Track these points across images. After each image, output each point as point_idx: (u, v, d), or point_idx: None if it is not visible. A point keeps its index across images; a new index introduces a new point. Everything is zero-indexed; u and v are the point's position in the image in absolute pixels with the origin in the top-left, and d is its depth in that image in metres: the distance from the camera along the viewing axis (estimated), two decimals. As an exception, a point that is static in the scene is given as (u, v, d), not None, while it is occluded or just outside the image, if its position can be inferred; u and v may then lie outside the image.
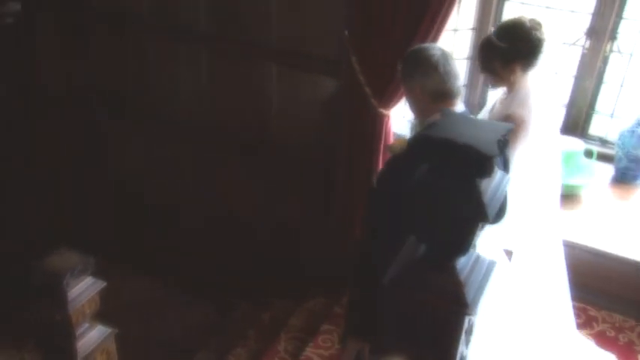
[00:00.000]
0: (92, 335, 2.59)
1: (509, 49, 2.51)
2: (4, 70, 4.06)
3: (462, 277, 1.45)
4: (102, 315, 2.70)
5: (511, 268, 2.71)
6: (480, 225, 1.37)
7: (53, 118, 4.49)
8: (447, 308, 1.45)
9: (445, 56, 2.28)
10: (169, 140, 4.25)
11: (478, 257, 1.54)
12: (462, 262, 1.49)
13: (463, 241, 1.38)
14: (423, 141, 1.33)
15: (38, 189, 4.55)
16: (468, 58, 3.66)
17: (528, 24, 2.54)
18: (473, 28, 3.57)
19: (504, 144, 1.32)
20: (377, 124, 3.41)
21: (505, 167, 2.37)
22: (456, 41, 3.57)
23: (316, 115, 3.69)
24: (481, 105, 3.78)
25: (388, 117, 3.42)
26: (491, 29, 2.80)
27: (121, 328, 4.28)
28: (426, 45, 2.37)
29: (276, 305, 4.09)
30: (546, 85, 2.65)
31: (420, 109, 2.35)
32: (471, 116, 1.48)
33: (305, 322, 3.76)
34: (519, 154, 2.53)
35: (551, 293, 2.82)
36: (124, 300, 4.63)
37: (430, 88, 2.27)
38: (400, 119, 3.80)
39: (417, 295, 1.49)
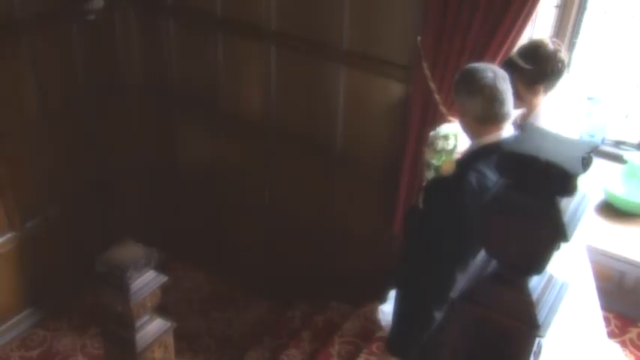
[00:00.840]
0: (151, 328, 2.63)
1: (534, 70, 2.50)
2: (85, 65, 4.19)
3: (535, 296, 1.39)
4: (161, 307, 2.74)
5: None
6: (558, 245, 1.30)
7: (127, 112, 4.60)
8: (517, 328, 1.39)
9: (495, 80, 2.16)
10: (236, 138, 4.28)
11: (551, 278, 1.47)
12: (535, 282, 1.42)
13: (539, 261, 1.31)
14: (503, 155, 1.27)
15: (112, 181, 4.67)
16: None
17: (552, 45, 2.52)
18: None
19: (589, 162, 1.25)
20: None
21: None
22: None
23: (383, 120, 3.65)
24: None
25: (458, 125, 3.35)
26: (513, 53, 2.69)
27: (179, 322, 4.36)
28: (480, 66, 2.24)
29: (332, 309, 4.07)
30: (564, 107, 2.64)
31: (468, 128, 2.28)
32: (553, 131, 1.40)
33: (360, 328, 3.73)
34: None
35: (579, 300, 2.69)
36: (184, 294, 4.72)
37: (474, 110, 2.19)
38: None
39: (487, 312, 1.43)
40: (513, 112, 2.27)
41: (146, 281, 2.50)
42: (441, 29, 3.15)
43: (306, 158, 4.03)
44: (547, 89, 2.56)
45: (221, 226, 4.70)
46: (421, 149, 3.23)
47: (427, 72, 3.26)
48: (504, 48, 3.00)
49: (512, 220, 1.31)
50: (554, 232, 1.25)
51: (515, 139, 1.34)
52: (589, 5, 3.33)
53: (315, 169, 4.03)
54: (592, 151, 1.30)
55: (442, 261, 2.04)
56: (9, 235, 4.08)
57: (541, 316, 1.34)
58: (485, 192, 1.80)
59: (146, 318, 2.60)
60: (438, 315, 2.14)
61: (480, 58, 3.07)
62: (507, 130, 2.20)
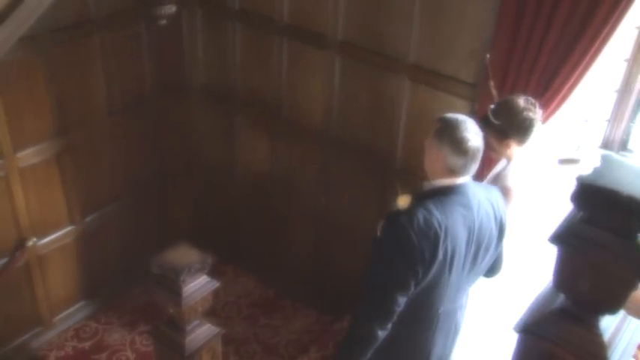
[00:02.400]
0: (200, 333, 2.63)
1: (503, 125, 2.66)
2: (151, 65, 4.27)
3: (606, 338, 1.31)
4: (210, 310, 2.74)
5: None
6: (637, 284, 1.22)
7: (189, 113, 4.67)
8: (585, 370, 1.31)
9: (479, 142, 2.29)
10: (295, 145, 4.28)
11: (624, 318, 1.39)
12: (607, 321, 1.34)
13: (614, 300, 1.23)
14: (580, 187, 1.20)
15: (169, 180, 4.73)
16: (616, 91, 3.41)
17: (522, 104, 2.68)
18: (626, 60, 3.32)
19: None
20: (509, 152, 3.25)
21: (499, 255, 2.57)
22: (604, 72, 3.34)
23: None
24: (623, 142, 3.54)
25: (522, 146, 3.26)
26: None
27: (227, 326, 4.39)
28: (465, 122, 2.30)
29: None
30: (542, 156, 2.85)
31: (432, 170, 2.40)
32: (630, 163, 1.32)
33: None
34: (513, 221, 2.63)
35: None
36: (233, 298, 4.73)
37: (450, 164, 2.30)
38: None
39: (552, 348, 1.36)
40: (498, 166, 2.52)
41: (199, 286, 2.50)
42: (512, 48, 3.07)
43: (364, 170, 3.99)
44: (519, 143, 2.72)
45: (274, 233, 4.70)
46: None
47: (493, 91, 3.18)
48: (576, 73, 2.90)
49: (587, 255, 1.24)
50: (635, 271, 1.17)
51: (593, 172, 1.26)
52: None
53: (372, 182, 3.98)
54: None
55: (387, 284, 2.28)
56: (69, 229, 4.18)
57: (613, 358, 1.25)
58: (431, 228, 2.19)
59: (196, 323, 2.60)
60: (381, 333, 2.34)
61: (550, 81, 2.98)
62: (464, 178, 2.35)
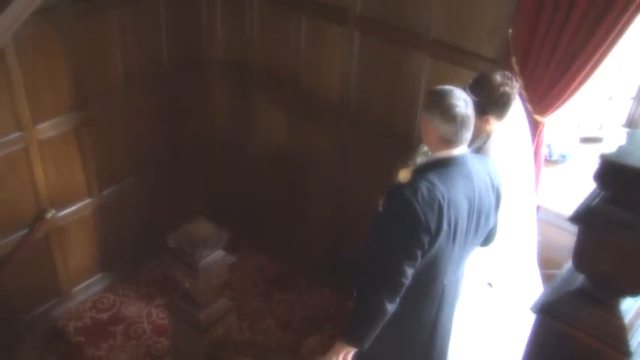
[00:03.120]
0: (215, 307, 2.65)
1: (480, 102, 2.60)
2: (169, 39, 4.25)
3: (627, 320, 1.28)
4: (225, 284, 2.76)
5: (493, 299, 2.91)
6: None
7: (206, 88, 4.65)
8: (604, 352, 1.28)
9: (467, 108, 2.34)
10: (312, 121, 4.25)
11: (646, 300, 1.36)
12: (627, 304, 1.32)
13: (637, 282, 1.20)
14: (604, 166, 1.17)
15: (186, 155, 4.74)
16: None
17: (499, 79, 2.69)
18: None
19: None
20: (530, 130, 3.20)
21: (495, 222, 2.62)
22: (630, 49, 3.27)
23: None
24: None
25: (543, 125, 3.20)
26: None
27: (242, 301, 4.43)
28: (452, 91, 2.36)
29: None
30: (520, 129, 2.85)
31: (429, 143, 2.46)
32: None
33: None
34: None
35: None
36: (249, 273, 4.76)
37: (442, 133, 2.36)
38: (556, 128, 3.56)
39: (570, 330, 1.34)
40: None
41: (214, 260, 2.52)
42: (535, 23, 3.00)
43: (381, 146, 3.95)
44: (498, 118, 2.73)
45: (290, 209, 4.69)
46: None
47: (515, 67, 3.13)
48: (600, 49, 2.84)
49: (609, 235, 1.21)
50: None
51: (617, 150, 1.22)
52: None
53: (390, 158, 3.92)
54: None
55: (393, 256, 2.30)
56: (87, 201, 4.21)
57: (634, 342, 1.23)
58: (435, 200, 2.24)
59: (211, 296, 2.62)
60: (390, 307, 2.36)
61: (574, 57, 2.92)
62: (461, 149, 2.40)
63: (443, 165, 2.36)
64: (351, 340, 2.49)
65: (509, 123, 2.78)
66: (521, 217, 2.91)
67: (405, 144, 3.82)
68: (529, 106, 3.14)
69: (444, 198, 2.28)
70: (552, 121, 3.26)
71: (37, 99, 3.67)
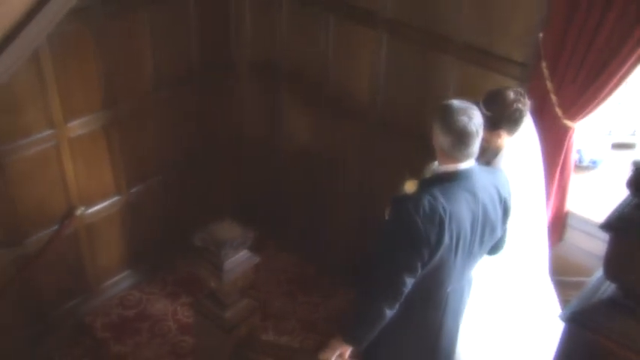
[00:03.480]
0: (240, 307, 2.66)
1: (493, 116, 2.70)
2: (199, 40, 4.28)
3: (658, 331, 1.26)
4: (251, 284, 2.76)
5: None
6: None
7: (235, 88, 4.68)
8: (635, 364, 1.26)
9: (468, 125, 2.39)
10: (340, 123, 4.24)
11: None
12: (659, 314, 1.29)
13: (669, 293, 1.18)
14: (636, 172, 1.15)
15: (213, 155, 4.77)
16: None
17: (512, 96, 2.75)
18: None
19: None
20: (559, 136, 3.16)
21: (503, 234, 2.73)
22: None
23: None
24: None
25: (573, 130, 3.16)
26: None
27: (266, 301, 4.43)
28: (460, 106, 2.44)
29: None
30: (530, 144, 2.90)
31: (436, 153, 2.55)
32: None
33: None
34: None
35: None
36: (273, 273, 4.77)
37: (442, 144, 2.46)
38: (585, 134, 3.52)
39: (600, 339, 1.32)
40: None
41: (240, 260, 2.53)
42: (566, 28, 2.96)
43: (409, 148, 3.92)
44: (509, 133, 2.80)
45: (317, 209, 4.69)
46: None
47: (545, 71, 3.09)
48: (634, 54, 2.79)
49: (643, 244, 1.19)
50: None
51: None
52: None
53: (418, 161, 3.91)
54: None
55: (394, 267, 2.38)
56: (115, 199, 4.26)
57: (664, 353, 1.21)
58: (436, 213, 2.32)
59: (237, 296, 2.64)
60: (389, 312, 2.45)
61: (607, 61, 2.88)
62: (467, 163, 2.47)
63: (447, 179, 2.45)
64: (349, 339, 2.58)
65: (520, 137, 2.85)
66: (531, 229, 2.96)
67: (432, 147, 3.81)
68: (559, 111, 3.11)
69: (445, 212, 2.36)
70: (583, 127, 3.22)
71: (69, 97, 3.73)
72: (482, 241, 2.56)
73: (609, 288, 1.37)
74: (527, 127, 2.86)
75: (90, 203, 4.12)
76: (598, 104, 3.02)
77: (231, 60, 4.58)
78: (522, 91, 2.82)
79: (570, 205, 3.41)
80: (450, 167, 2.47)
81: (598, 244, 3.17)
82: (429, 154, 3.82)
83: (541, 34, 3.06)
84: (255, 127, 4.82)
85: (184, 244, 3.04)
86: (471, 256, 2.56)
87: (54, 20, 2.82)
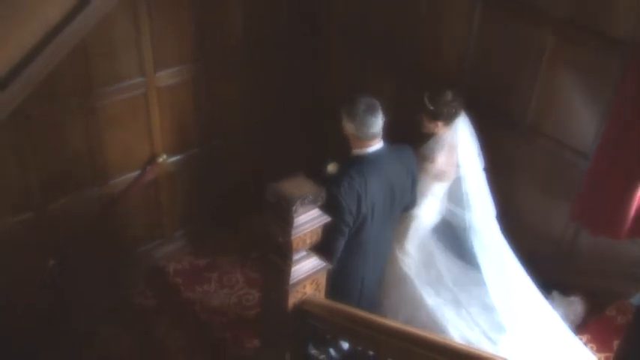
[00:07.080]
0: (307, 264, 2.68)
1: (434, 110, 3.39)
2: (292, 2, 4.29)
3: None
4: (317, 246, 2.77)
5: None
6: None
7: (320, 54, 4.66)
8: None
9: (366, 111, 3.03)
10: (422, 92, 4.15)
11: None
12: None
13: None
14: None
15: (287, 119, 4.83)
16: None
17: (451, 95, 3.39)
18: None
19: None
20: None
21: (413, 197, 3.41)
22: None
23: (583, 104, 3.36)
24: None
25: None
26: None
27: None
28: (359, 97, 3.08)
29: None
30: (464, 135, 3.47)
31: (349, 140, 3.13)
32: None
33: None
34: (429, 187, 3.54)
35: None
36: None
37: (349, 129, 3.08)
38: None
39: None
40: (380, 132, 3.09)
41: (309, 218, 2.53)
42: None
43: (491, 128, 3.79)
44: (446, 124, 3.43)
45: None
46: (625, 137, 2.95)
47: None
48: None
49: None
50: None
51: None
52: None
53: (498, 142, 3.78)
54: None
55: (331, 232, 2.88)
56: (196, 150, 4.40)
57: None
58: (354, 191, 2.98)
59: (303, 254, 2.65)
60: (335, 259, 3.07)
61: None
62: (375, 146, 3.10)
63: (359, 162, 3.08)
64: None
65: (453, 128, 3.45)
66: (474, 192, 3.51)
67: (517, 122, 3.69)
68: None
69: (361, 188, 2.99)
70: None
71: (161, 47, 3.84)
72: (393, 206, 3.22)
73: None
74: (462, 121, 3.44)
75: (172, 152, 4.25)
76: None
77: (321, 22, 4.56)
78: (459, 92, 3.42)
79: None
80: (362, 151, 3.09)
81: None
82: (513, 129, 3.72)
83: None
84: (338, 91, 4.79)
85: (259, 199, 3.08)
86: (385, 219, 3.22)
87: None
